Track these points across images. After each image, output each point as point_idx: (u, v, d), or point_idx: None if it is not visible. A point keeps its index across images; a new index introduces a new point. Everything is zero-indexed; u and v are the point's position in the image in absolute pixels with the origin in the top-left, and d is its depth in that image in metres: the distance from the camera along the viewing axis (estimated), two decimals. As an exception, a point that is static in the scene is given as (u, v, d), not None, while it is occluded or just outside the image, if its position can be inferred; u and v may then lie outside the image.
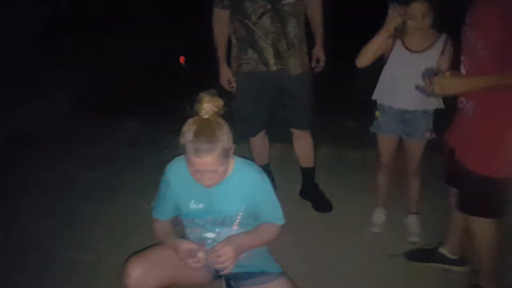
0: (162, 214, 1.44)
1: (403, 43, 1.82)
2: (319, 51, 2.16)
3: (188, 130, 1.22)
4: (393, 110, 1.88)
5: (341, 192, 2.43)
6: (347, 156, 2.86)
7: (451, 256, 1.84)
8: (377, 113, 1.94)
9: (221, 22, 2.04)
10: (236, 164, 1.36)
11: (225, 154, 1.26)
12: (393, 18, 1.71)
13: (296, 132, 2.24)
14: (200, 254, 1.30)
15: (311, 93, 2.15)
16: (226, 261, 1.30)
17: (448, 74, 1.46)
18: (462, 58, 1.53)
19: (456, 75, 1.49)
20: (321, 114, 2.28)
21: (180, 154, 1.34)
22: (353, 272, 1.86)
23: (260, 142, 2.31)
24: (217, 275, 1.52)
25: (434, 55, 1.75)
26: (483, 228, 1.56)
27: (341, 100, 3.38)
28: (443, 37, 1.78)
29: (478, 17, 1.40)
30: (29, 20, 4.58)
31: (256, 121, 2.21)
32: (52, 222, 2.17)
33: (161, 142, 2.95)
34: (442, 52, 1.76)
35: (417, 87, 1.57)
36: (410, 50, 1.81)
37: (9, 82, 3.58)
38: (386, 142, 2.00)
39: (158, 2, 5.68)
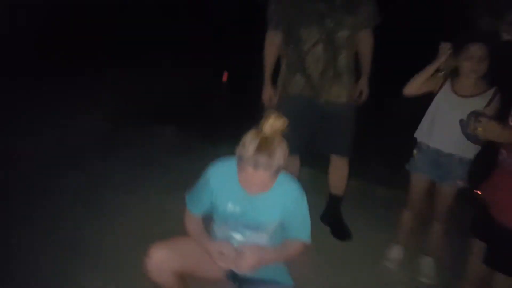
0: (196, 208, 1.51)
1: (452, 86, 1.85)
2: (363, 84, 2.23)
3: (251, 143, 1.27)
4: (429, 151, 1.90)
5: (363, 225, 2.44)
6: (375, 192, 2.88)
7: None
8: (415, 151, 1.98)
9: (273, 44, 2.15)
10: (280, 177, 1.39)
11: (278, 172, 1.33)
12: (444, 52, 1.79)
13: (335, 159, 2.29)
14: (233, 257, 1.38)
15: (353, 122, 2.20)
16: (247, 268, 1.38)
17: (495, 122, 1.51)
18: None
19: (503, 124, 1.53)
20: (357, 147, 2.31)
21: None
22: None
23: (292, 163, 2.34)
24: (231, 276, 1.59)
25: (481, 103, 1.76)
26: (506, 285, 1.54)
27: (379, 134, 3.45)
28: (492, 89, 1.78)
29: None
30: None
31: (295, 141, 2.23)
32: (81, 210, 2.34)
33: (191, 147, 3.08)
34: (489, 104, 1.77)
35: (461, 121, 1.61)
36: (457, 94, 1.83)
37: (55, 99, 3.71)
38: (418, 182, 2.00)
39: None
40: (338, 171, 2.32)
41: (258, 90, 2.28)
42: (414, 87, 1.86)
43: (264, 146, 1.26)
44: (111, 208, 2.38)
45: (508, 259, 1.53)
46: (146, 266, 1.39)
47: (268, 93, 2.23)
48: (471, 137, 1.72)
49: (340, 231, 2.32)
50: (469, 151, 1.83)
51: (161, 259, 1.38)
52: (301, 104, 2.12)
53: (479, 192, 1.69)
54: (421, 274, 2.05)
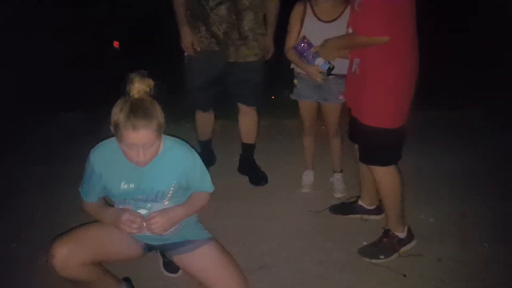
0: (89, 196, 1.50)
1: (313, 11, 1.95)
2: (269, 43, 2.23)
3: (122, 109, 1.27)
4: (307, 77, 2.03)
5: (277, 160, 2.62)
6: (283, 125, 3.05)
7: (368, 207, 2.08)
8: (295, 81, 2.10)
9: None
10: (165, 142, 1.43)
11: (160, 130, 1.34)
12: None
13: (243, 108, 2.34)
14: (142, 222, 1.39)
15: (260, 76, 2.23)
16: (157, 229, 1.41)
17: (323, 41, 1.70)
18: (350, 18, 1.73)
19: (329, 40, 1.73)
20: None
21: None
22: (281, 229, 2.05)
23: (206, 117, 2.40)
24: (147, 249, 1.63)
25: (343, 24, 1.85)
26: (382, 175, 1.76)
27: (278, 74, 3.52)
28: (348, 7, 1.87)
29: None
30: None
31: (207, 96, 2.27)
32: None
33: (100, 132, 2.94)
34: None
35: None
36: (320, 20, 1.93)
37: None
38: (305, 108, 2.17)
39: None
40: (247, 119, 2.38)
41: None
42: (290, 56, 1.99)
43: (136, 108, 1.26)
44: (18, 209, 2.25)
45: (372, 151, 1.74)
46: (52, 266, 1.35)
47: (188, 38, 2.10)
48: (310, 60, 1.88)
49: (256, 178, 2.45)
50: (341, 68, 1.94)
51: (65, 254, 1.35)
52: (209, 58, 2.12)
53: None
54: (334, 191, 2.29)
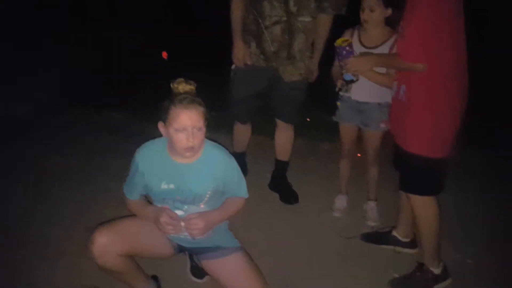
0: (133, 194, 1.57)
1: (359, 37, 2.01)
2: (314, 66, 2.28)
3: (171, 98, 1.39)
4: (350, 100, 2.07)
5: (309, 181, 2.62)
6: (318, 148, 3.07)
7: (403, 239, 2.03)
8: (338, 103, 2.13)
9: (240, 1, 2.14)
10: (206, 146, 1.50)
11: (206, 118, 1.43)
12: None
13: (281, 124, 2.39)
14: (182, 223, 1.46)
15: (303, 96, 2.30)
16: (195, 232, 1.47)
17: (358, 54, 1.76)
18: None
19: (366, 54, 1.77)
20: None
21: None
22: (309, 251, 2.04)
23: (244, 129, 2.47)
24: (178, 250, 1.68)
25: (385, 51, 1.93)
26: (420, 205, 1.74)
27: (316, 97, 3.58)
28: (395, 35, 1.91)
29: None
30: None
31: (248, 109, 2.36)
32: (27, 201, 2.31)
33: (140, 130, 3.11)
34: (391, 49, 1.92)
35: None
36: (364, 45, 1.99)
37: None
38: (346, 131, 2.19)
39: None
40: (283, 136, 2.43)
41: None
42: None
43: (185, 95, 1.39)
44: (56, 195, 2.38)
45: (413, 179, 1.73)
46: (90, 252, 1.42)
47: (241, 50, 2.18)
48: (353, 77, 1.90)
49: (286, 196, 2.46)
50: (385, 96, 1.97)
51: (105, 243, 1.42)
52: (256, 73, 2.21)
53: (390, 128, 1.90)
54: (367, 219, 2.26)
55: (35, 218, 2.17)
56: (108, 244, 1.43)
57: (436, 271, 1.79)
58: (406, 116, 1.67)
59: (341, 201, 2.34)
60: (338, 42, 1.85)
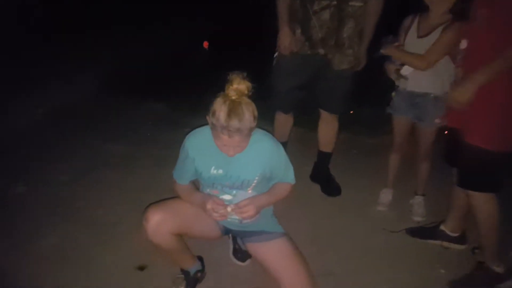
0: (183, 179, 1.64)
1: (417, 27, 1.96)
2: (362, 54, 2.24)
3: (220, 111, 1.35)
4: (406, 92, 2.04)
5: (351, 174, 2.62)
6: (360, 141, 3.06)
7: (451, 234, 1.99)
8: (393, 94, 2.11)
9: None
10: (254, 135, 1.50)
11: (251, 132, 1.45)
12: None
13: (325, 115, 2.38)
14: (228, 209, 1.52)
15: (349, 85, 2.26)
16: (247, 215, 1.52)
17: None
18: (464, 53, 1.68)
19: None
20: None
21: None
22: (352, 243, 2.06)
23: (286, 119, 2.47)
24: (225, 232, 1.76)
25: (431, 40, 1.88)
26: (481, 203, 1.69)
27: (362, 88, 3.55)
28: (446, 24, 1.87)
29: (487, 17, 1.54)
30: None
31: (291, 98, 2.33)
32: (78, 186, 2.49)
33: (182, 122, 3.25)
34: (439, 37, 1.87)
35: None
36: (417, 35, 1.96)
37: (42, 63, 3.99)
38: (399, 123, 2.16)
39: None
40: (328, 127, 2.41)
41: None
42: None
43: (233, 112, 1.34)
44: (105, 181, 2.53)
45: (475, 175, 1.68)
46: (145, 229, 1.52)
47: (287, 37, 2.13)
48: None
49: (329, 188, 2.47)
50: (442, 88, 1.94)
51: (159, 221, 1.51)
52: (300, 61, 2.18)
53: (446, 123, 1.86)
54: (414, 214, 2.23)
55: (87, 203, 2.33)
56: (161, 222, 1.52)
57: (498, 269, 1.75)
58: (473, 107, 1.61)
59: (386, 195, 2.32)
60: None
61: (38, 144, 2.93)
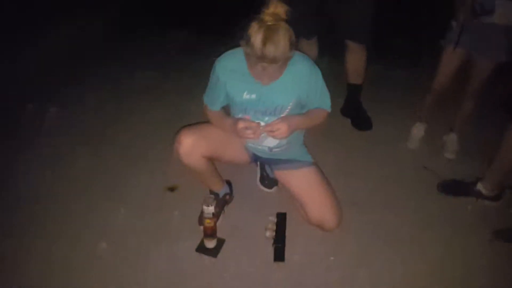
0: (214, 105, 1.62)
1: None
2: None
3: (255, 36, 1.28)
4: (478, 24, 1.79)
5: (383, 108, 2.55)
6: (394, 74, 2.93)
7: (488, 193, 1.89)
8: (453, 23, 1.90)
9: None
10: (292, 58, 1.41)
11: (287, 62, 1.39)
12: None
13: (351, 45, 2.26)
14: (261, 125, 1.50)
15: (369, 7, 2.10)
16: (280, 134, 1.49)
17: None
18: None
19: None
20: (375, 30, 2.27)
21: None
22: (379, 174, 2.07)
23: (309, 46, 2.32)
24: (254, 159, 1.80)
25: None
26: None
27: (396, 18, 3.32)
28: None
29: None
30: None
31: (310, 25, 2.17)
32: (108, 112, 2.57)
33: (207, 50, 3.17)
34: None
35: None
36: None
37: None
38: (451, 58, 1.96)
39: None
40: (355, 58, 2.31)
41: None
42: None
43: (268, 39, 1.27)
44: (135, 108, 2.60)
45: None
46: (177, 151, 1.56)
47: None
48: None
49: (360, 122, 2.42)
50: None
51: (191, 143, 1.54)
52: None
53: None
54: (446, 150, 2.18)
55: (117, 129, 2.41)
56: (193, 145, 1.55)
57: (486, 192, 1.80)
58: None
59: (419, 130, 2.25)
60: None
61: (68, 70, 2.97)
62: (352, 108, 2.48)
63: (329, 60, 2.79)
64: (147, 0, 4.06)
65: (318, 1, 2.11)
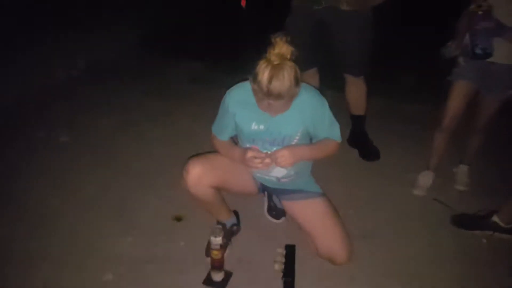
0: (222, 134, 1.64)
1: None
2: None
3: (262, 74, 1.32)
4: (481, 61, 1.81)
5: (391, 139, 2.55)
6: (400, 108, 2.95)
7: (505, 226, 1.84)
8: (461, 59, 1.91)
9: None
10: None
11: (293, 98, 1.42)
12: None
13: (349, 78, 2.29)
14: (267, 160, 1.50)
15: (364, 35, 2.10)
16: (283, 162, 1.49)
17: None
18: None
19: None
20: (378, 62, 2.33)
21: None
22: (389, 207, 2.04)
23: (310, 76, 2.27)
24: (261, 189, 1.80)
25: None
26: None
27: (402, 52, 3.41)
28: None
29: None
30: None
31: (309, 55, 2.15)
32: (119, 138, 2.60)
33: (218, 81, 3.25)
34: None
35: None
36: None
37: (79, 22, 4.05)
38: (460, 91, 1.93)
39: None
40: (353, 91, 2.33)
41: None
42: None
43: (274, 78, 1.31)
44: (145, 134, 2.64)
45: None
46: (185, 181, 1.57)
47: None
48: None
49: (367, 152, 2.41)
50: None
51: (199, 173, 1.55)
52: (304, 15, 2.08)
53: None
54: (456, 182, 2.15)
55: (128, 155, 2.44)
56: (202, 175, 1.56)
57: (503, 225, 1.77)
58: None
59: (426, 179, 2.14)
60: (474, 8, 1.66)
61: (79, 97, 3.06)
62: (358, 139, 2.48)
63: (333, 93, 2.83)
64: (163, 30, 4.24)
65: (314, 35, 2.15)
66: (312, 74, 2.34)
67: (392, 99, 3.04)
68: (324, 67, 2.38)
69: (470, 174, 2.18)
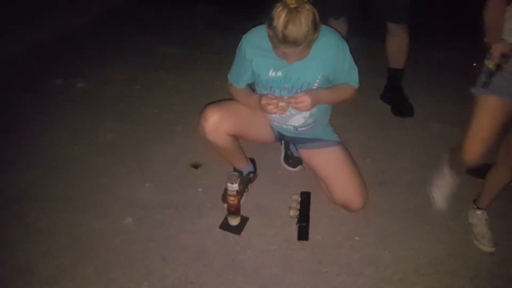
0: (239, 82, 1.61)
1: None
2: None
3: (278, 19, 1.27)
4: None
5: (412, 89, 2.41)
6: (430, 55, 2.81)
7: None
8: (490, 64, 1.33)
9: None
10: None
11: (311, 44, 1.35)
12: None
13: (391, 27, 2.13)
14: (282, 103, 1.47)
15: None
16: (302, 106, 1.46)
17: None
18: None
19: None
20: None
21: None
22: (408, 156, 2.02)
23: (337, 27, 2.12)
24: (279, 138, 1.79)
25: None
26: None
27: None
28: None
29: None
30: None
31: (335, 2, 2.11)
32: (136, 85, 2.60)
33: (234, 27, 3.15)
34: None
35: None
36: None
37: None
38: (490, 109, 1.41)
39: None
40: (395, 40, 2.17)
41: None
42: None
43: (291, 22, 1.25)
44: (162, 82, 2.63)
45: None
46: (203, 128, 1.56)
47: None
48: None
49: (400, 108, 2.28)
50: None
51: (216, 120, 1.54)
52: None
53: None
54: (476, 235, 1.66)
55: (145, 102, 2.45)
56: (219, 122, 1.55)
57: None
58: None
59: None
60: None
61: (93, 44, 3.02)
62: (393, 94, 2.35)
63: (361, 40, 2.70)
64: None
65: None
66: (340, 23, 2.19)
67: (424, 44, 2.80)
68: (352, 12, 2.21)
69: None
